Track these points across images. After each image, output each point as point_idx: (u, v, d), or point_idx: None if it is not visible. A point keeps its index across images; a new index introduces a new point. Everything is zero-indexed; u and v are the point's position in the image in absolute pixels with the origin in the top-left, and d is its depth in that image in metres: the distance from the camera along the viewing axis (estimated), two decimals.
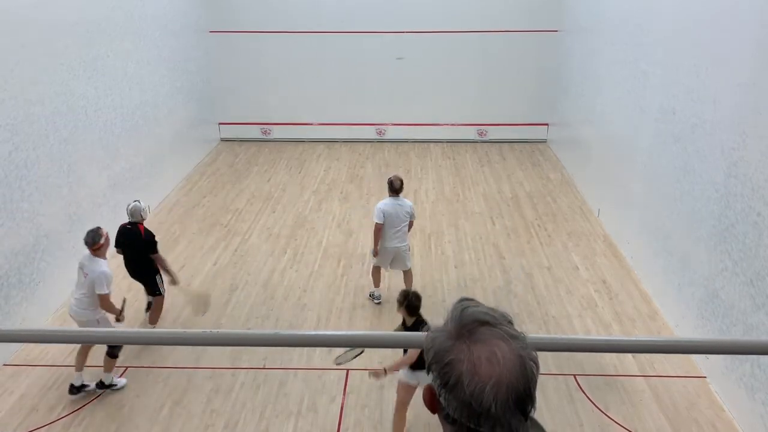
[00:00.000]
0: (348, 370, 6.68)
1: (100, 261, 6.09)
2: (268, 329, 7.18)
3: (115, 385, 6.40)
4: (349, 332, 6.31)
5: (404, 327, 5.64)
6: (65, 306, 7.85)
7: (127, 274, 7.26)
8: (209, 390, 6.39)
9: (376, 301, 7.92)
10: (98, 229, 6.18)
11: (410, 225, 7.61)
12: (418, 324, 5.49)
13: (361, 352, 5.60)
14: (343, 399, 6.29)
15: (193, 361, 6.82)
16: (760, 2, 5.79)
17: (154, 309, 7.28)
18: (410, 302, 5.46)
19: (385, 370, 5.44)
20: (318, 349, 6.94)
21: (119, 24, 9.68)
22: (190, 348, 6.89)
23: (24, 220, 7.17)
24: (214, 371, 6.67)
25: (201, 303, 7.25)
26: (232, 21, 14.09)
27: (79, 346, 6.36)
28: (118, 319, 6.29)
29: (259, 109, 14.75)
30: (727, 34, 6.33)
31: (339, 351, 6.90)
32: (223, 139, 14.96)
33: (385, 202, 7.48)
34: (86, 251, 6.16)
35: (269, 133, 14.98)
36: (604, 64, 10.43)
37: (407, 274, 7.83)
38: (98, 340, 3.76)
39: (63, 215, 7.97)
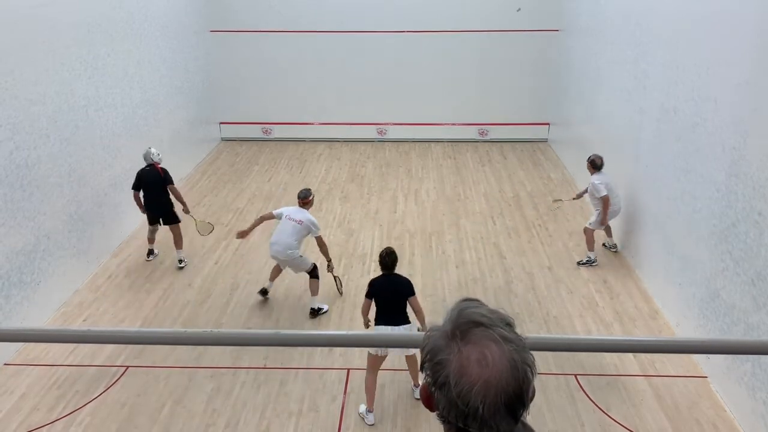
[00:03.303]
0: (349, 369, 6.69)
1: (307, 212, 7.55)
2: (268, 329, 7.18)
3: (323, 309, 7.70)
4: (350, 332, 6.30)
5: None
6: (66, 305, 7.87)
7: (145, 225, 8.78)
8: (210, 389, 6.40)
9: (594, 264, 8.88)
10: (309, 189, 7.80)
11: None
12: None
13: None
14: (344, 398, 6.29)
15: (194, 360, 6.83)
16: (760, 2, 5.78)
17: (176, 237, 8.66)
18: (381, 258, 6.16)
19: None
20: (318, 349, 6.95)
21: (120, 24, 9.69)
22: (190, 347, 6.90)
23: (25, 219, 7.17)
24: (215, 371, 6.67)
25: (205, 226, 8.80)
26: (232, 21, 14.10)
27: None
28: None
29: (260, 109, 14.76)
30: (727, 34, 6.33)
31: (339, 350, 6.96)
32: (223, 139, 14.97)
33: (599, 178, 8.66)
34: (289, 208, 7.64)
35: (270, 133, 14.99)
36: (604, 64, 10.42)
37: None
38: (98, 340, 3.75)
39: (64, 215, 7.98)
